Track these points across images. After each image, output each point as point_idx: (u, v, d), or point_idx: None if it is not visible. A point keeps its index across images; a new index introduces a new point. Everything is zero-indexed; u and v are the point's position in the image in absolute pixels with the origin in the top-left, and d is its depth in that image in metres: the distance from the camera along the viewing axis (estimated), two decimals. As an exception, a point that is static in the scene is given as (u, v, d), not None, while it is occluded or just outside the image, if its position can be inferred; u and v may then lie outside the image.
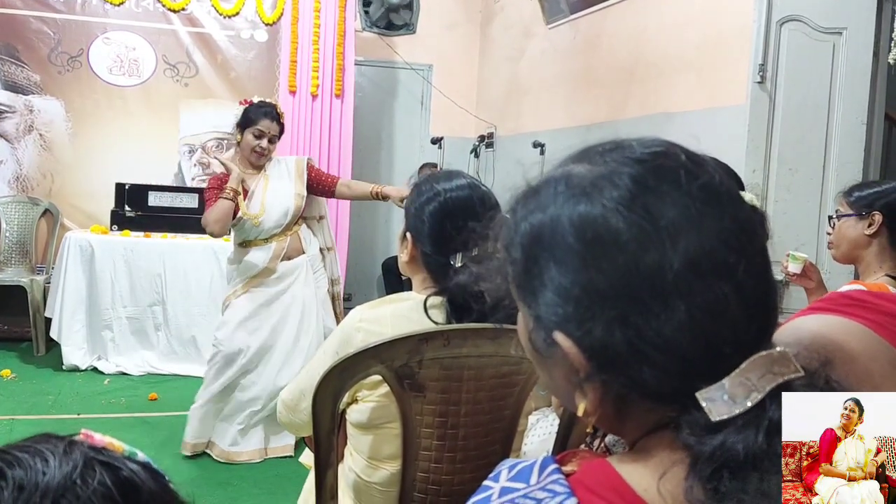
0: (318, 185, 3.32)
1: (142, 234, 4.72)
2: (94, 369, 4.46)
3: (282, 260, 3.24)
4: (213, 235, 3.12)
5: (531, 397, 1.51)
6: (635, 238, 0.56)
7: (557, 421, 1.67)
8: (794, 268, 2.29)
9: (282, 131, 3.29)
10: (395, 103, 6.54)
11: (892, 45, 2.95)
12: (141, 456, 0.56)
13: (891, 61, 2.83)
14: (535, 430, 1.98)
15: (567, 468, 0.61)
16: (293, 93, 5.31)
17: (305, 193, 3.27)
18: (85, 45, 5.17)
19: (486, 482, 0.63)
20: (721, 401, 0.55)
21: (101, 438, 0.55)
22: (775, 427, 0.54)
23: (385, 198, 3.18)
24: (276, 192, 3.23)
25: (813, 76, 3.39)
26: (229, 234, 3.26)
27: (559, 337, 0.60)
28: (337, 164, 5.45)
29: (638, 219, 0.57)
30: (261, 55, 5.40)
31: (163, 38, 5.26)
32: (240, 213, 3.12)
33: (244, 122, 3.18)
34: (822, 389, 0.56)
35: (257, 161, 3.22)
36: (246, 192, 3.17)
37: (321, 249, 3.47)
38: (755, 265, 0.59)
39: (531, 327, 0.64)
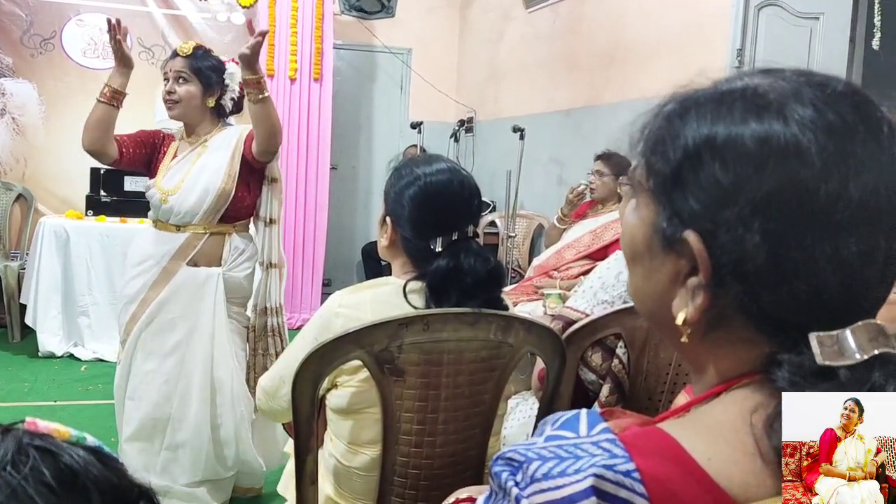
0: (249, 154, 2.47)
1: (117, 219, 4.66)
2: (71, 356, 4.42)
3: (188, 264, 2.47)
4: (84, 148, 2.45)
5: (511, 381, 1.51)
6: (823, 162, 0.56)
7: (537, 405, 1.68)
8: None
9: (197, 70, 2.47)
10: (374, 87, 6.50)
11: (875, 30, 2.97)
12: (90, 440, 0.54)
13: (875, 46, 2.85)
14: (514, 414, 2.00)
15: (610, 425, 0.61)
16: (271, 76, 5.26)
17: (237, 172, 2.46)
18: (58, 28, 5.08)
19: (531, 438, 0.62)
20: (831, 348, 0.56)
21: (45, 425, 0.53)
22: (877, 392, 0.55)
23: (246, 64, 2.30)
24: (205, 166, 2.47)
25: (790, 61, 3.37)
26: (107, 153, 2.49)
27: (690, 236, 0.59)
28: (316, 149, 5.41)
29: (830, 145, 0.56)
30: (238, 38, 5.33)
31: (137, 21, 5.17)
32: (149, 182, 2.51)
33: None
34: None
35: (170, 112, 2.50)
36: (172, 156, 2.54)
37: (262, 265, 2.60)
38: None
39: (660, 222, 0.62)
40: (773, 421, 0.56)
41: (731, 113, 0.59)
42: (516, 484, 0.58)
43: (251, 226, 2.64)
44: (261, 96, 2.32)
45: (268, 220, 2.59)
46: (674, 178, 0.61)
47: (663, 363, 1.65)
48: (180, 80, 2.47)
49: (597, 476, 0.54)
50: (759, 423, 0.56)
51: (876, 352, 0.56)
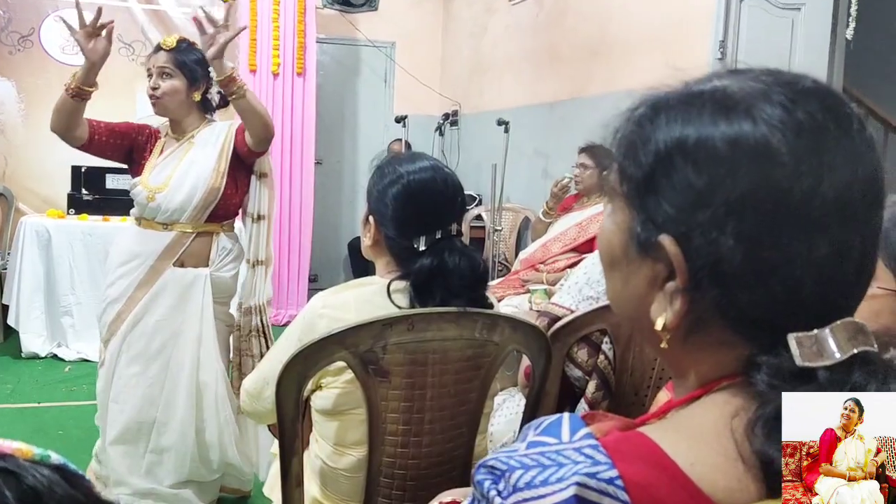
0: (243, 147, 2.42)
1: (100, 217, 4.61)
2: (55, 356, 4.38)
3: (175, 264, 2.42)
4: (50, 128, 2.42)
5: (497, 379, 1.51)
6: (795, 161, 0.56)
7: (524, 401, 1.68)
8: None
9: (181, 64, 2.39)
10: (358, 82, 6.47)
11: (850, 20, 2.98)
12: (55, 458, 0.53)
13: (848, 37, 2.86)
14: (501, 411, 1.99)
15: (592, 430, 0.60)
16: (253, 72, 5.22)
17: (225, 169, 2.42)
18: (36, 24, 5.03)
19: (513, 445, 0.62)
20: (810, 349, 0.56)
21: (7, 445, 0.52)
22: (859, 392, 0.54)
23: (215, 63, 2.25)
24: (193, 162, 2.41)
25: (772, 52, 3.41)
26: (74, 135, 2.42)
27: (665, 240, 0.59)
28: (300, 145, 5.38)
29: (801, 144, 0.56)
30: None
31: (117, 16, 5.02)
32: (135, 180, 2.44)
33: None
34: (886, 368, 0.57)
35: (155, 108, 2.42)
36: (159, 152, 2.47)
37: (249, 262, 2.57)
38: (876, 227, 0.60)
39: (635, 227, 0.62)
40: (754, 425, 0.55)
41: (700, 115, 0.59)
42: (499, 493, 0.57)
43: (237, 224, 2.60)
44: (240, 92, 2.28)
45: (255, 217, 2.54)
46: (647, 183, 0.61)
47: (649, 358, 1.65)
48: (164, 76, 2.39)
49: (579, 484, 0.54)
50: (740, 427, 0.56)
51: (855, 351, 0.56)
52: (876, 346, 0.57)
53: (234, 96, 2.29)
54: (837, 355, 0.55)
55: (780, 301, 0.57)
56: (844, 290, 0.58)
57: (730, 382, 0.60)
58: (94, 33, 2.25)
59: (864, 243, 0.58)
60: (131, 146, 2.51)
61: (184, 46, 2.43)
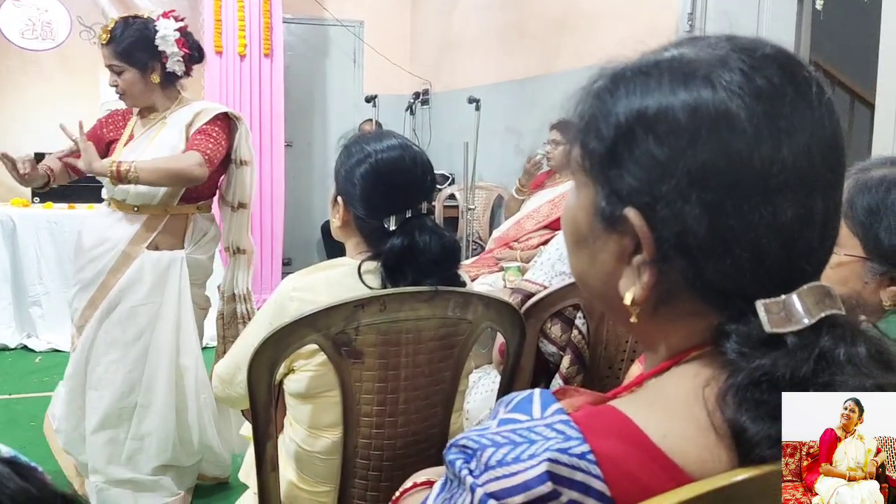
0: None
1: (65, 205, 4.53)
2: (25, 347, 4.32)
3: (148, 247, 2.38)
4: None
5: (472, 356, 1.50)
6: (754, 127, 0.56)
7: (499, 378, 1.68)
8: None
9: (123, 54, 2.32)
10: (326, 62, 6.39)
11: (818, -10, 2.98)
12: (5, 451, 0.52)
13: (818, 7, 2.87)
14: (477, 388, 1.99)
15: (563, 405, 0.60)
16: (219, 53, 5.12)
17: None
18: (-7, 8, 4.89)
19: (484, 423, 0.61)
20: (778, 315, 0.56)
21: None
22: (826, 357, 0.55)
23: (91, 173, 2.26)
24: (163, 143, 2.35)
25: (739, 24, 3.42)
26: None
27: (631, 213, 0.58)
28: (269, 127, 5.31)
29: (760, 110, 0.56)
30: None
31: (77, -1, 4.99)
32: (107, 160, 2.32)
33: None
34: (854, 331, 0.57)
35: (126, 103, 2.44)
36: (129, 135, 2.43)
37: (228, 250, 2.58)
38: (838, 191, 0.60)
39: (599, 201, 0.61)
40: (725, 394, 0.55)
41: (659, 85, 0.59)
42: (470, 472, 0.57)
43: (214, 207, 2.56)
44: (133, 177, 2.19)
45: (235, 205, 2.51)
46: (609, 156, 0.60)
47: (622, 332, 1.66)
48: (115, 72, 2.34)
49: (551, 461, 0.54)
50: (712, 396, 0.56)
51: (823, 314, 0.56)
52: (843, 308, 0.58)
53: (131, 184, 2.22)
54: (806, 320, 0.56)
55: (747, 268, 0.57)
56: (809, 255, 0.59)
57: (700, 352, 0.60)
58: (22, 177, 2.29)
59: (826, 207, 0.58)
60: (104, 146, 2.46)
61: (118, 34, 2.33)
